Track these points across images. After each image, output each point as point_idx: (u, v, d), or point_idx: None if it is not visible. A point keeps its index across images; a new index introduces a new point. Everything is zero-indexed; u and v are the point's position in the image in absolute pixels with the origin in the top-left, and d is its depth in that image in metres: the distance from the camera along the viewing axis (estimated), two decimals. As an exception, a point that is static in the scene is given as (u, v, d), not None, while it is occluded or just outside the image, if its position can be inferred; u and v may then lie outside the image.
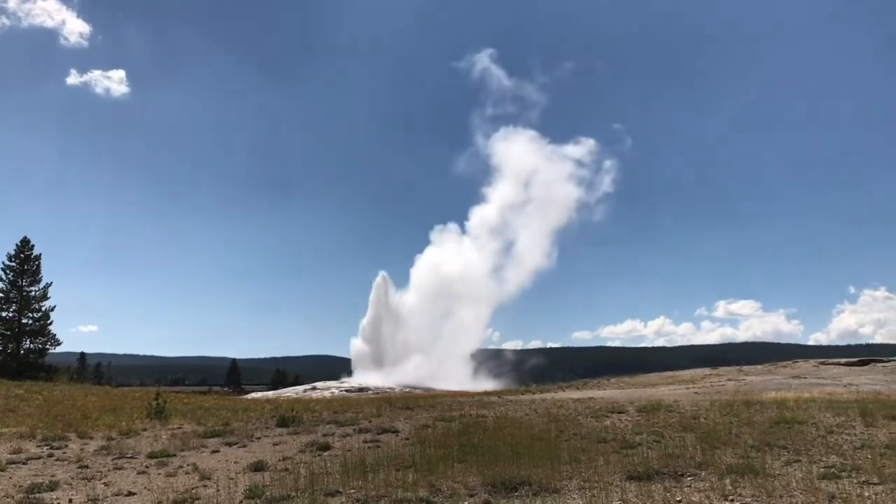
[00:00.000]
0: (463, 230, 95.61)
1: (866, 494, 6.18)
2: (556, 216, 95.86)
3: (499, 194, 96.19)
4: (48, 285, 39.05)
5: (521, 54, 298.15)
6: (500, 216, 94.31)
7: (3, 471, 9.33)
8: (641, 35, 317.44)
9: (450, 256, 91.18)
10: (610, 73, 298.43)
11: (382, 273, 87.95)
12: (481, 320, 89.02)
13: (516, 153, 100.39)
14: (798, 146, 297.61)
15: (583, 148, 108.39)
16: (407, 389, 48.25)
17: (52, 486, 8.08)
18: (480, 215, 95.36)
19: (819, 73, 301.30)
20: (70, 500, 7.43)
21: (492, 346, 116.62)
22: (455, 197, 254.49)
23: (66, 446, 11.83)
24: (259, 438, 12.50)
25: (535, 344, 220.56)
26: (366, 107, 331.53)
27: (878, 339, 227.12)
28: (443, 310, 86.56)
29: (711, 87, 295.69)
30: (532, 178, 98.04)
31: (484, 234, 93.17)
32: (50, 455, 10.82)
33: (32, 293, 38.54)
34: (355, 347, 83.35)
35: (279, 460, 9.69)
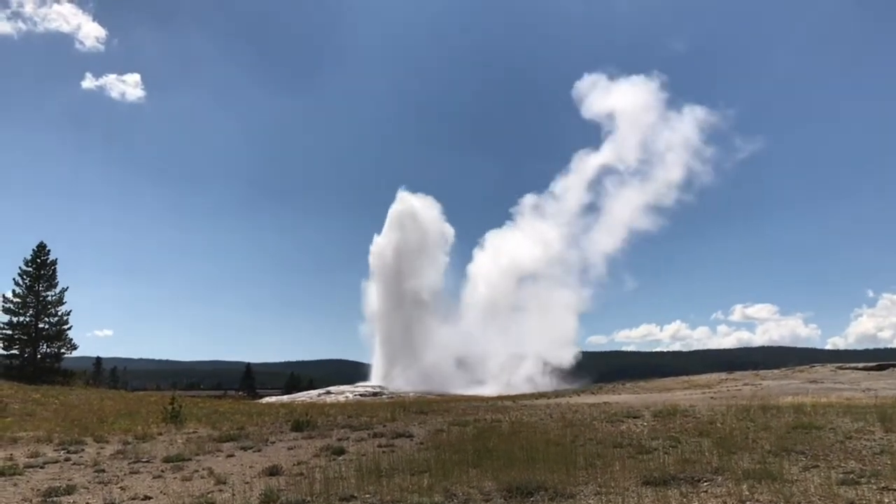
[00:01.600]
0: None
1: (886, 501, 6.10)
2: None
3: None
4: (64, 290, 39.38)
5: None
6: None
7: (20, 475, 9.40)
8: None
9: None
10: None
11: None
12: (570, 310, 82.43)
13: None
14: (814, 147, 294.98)
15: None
16: (420, 394, 48.24)
17: (70, 490, 8.13)
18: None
19: (835, 71, 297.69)
20: (87, 504, 7.47)
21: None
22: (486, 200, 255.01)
23: (83, 450, 11.91)
24: (274, 443, 12.53)
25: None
26: (378, 109, 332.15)
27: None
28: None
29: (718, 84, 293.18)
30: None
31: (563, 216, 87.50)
32: (67, 459, 10.90)
33: (49, 298, 38.85)
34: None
35: (294, 465, 9.71)
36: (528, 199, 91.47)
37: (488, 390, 53.74)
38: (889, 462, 8.00)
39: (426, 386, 58.18)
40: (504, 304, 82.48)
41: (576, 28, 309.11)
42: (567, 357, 75.50)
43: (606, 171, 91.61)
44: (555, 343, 76.03)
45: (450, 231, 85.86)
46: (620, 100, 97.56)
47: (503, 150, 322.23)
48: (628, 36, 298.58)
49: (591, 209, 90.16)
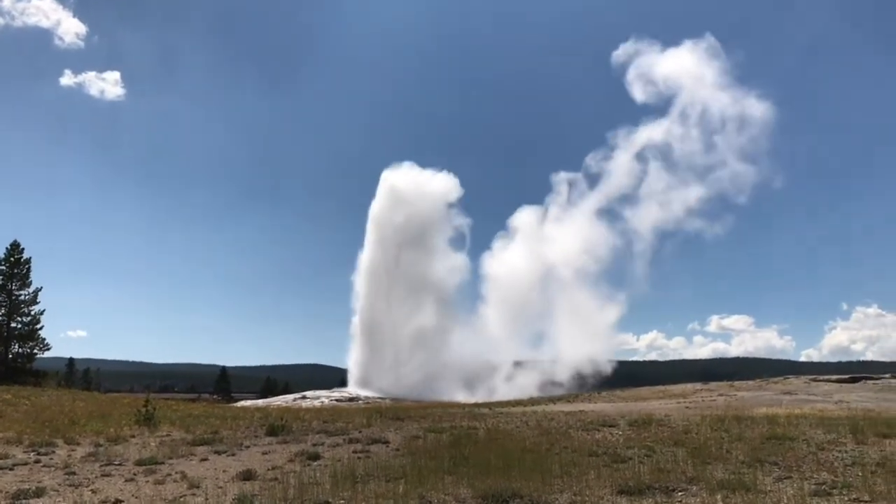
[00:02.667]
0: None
1: (857, 512, 6.17)
2: None
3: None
4: (38, 290, 38.90)
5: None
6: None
7: (-12, 476, 9.23)
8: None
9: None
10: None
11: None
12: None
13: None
14: (792, 161, 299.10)
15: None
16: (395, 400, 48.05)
17: (39, 493, 8.00)
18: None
19: (814, 83, 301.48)
20: (56, 507, 7.36)
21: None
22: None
23: (54, 452, 11.72)
24: (248, 447, 12.42)
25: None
26: (364, 110, 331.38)
27: (869, 356, 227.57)
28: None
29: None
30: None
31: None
32: (37, 461, 10.72)
33: (21, 297, 38.36)
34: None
35: (268, 469, 9.62)
36: (528, 211, 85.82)
37: (499, 394, 52.12)
38: (860, 474, 8.10)
39: (405, 391, 57.71)
40: (527, 303, 77.44)
41: None
42: (601, 362, 71.21)
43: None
44: (586, 347, 71.47)
45: (462, 220, 79.00)
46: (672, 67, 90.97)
47: (505, 154, 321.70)
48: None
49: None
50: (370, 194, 76.28)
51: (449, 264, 76.37)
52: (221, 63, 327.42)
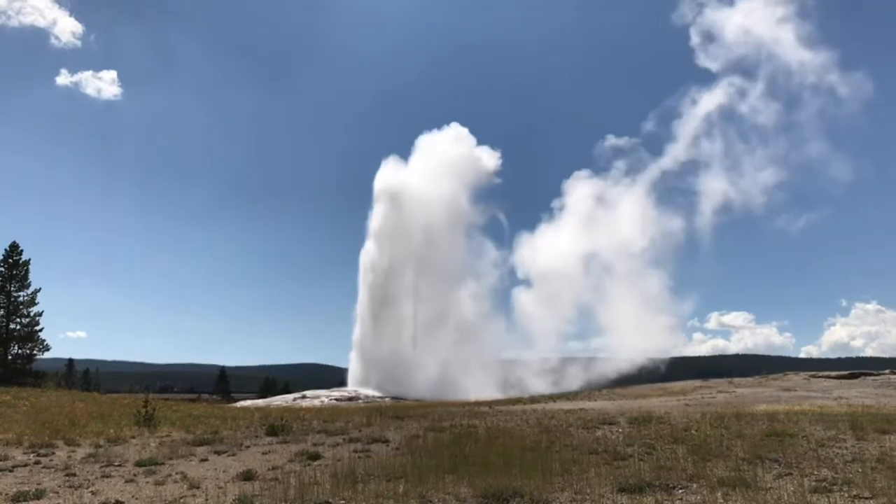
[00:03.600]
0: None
1: (858, 509, 6.18)
2: None
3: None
4: (37, 291, 38.94)
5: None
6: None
7: (-12, 478, 9.22)
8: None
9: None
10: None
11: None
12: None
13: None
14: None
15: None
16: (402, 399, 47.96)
17: (39, 495, 8.00)
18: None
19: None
20: (56, 509, 7.35)
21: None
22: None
23: (54, 454, 11.71)
24: (248, 447, 12.41)
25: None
26: (361, 110, 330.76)
27: (868, 353, 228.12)
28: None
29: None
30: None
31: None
32: (37, 462, 10.70)
33: (21, 298, 38.37)
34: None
35: (268, 469, 9.62)
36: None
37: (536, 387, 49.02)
38: (860, 470, 8.11)
39: (402, 390, 57.11)
40: (572, 291, 71.76)
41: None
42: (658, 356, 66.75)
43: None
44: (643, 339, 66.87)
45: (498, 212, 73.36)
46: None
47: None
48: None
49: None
50: (369, 193, 73.44)
51: (482, 259, 72.24)
52: (218, 62, 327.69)
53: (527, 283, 74.43)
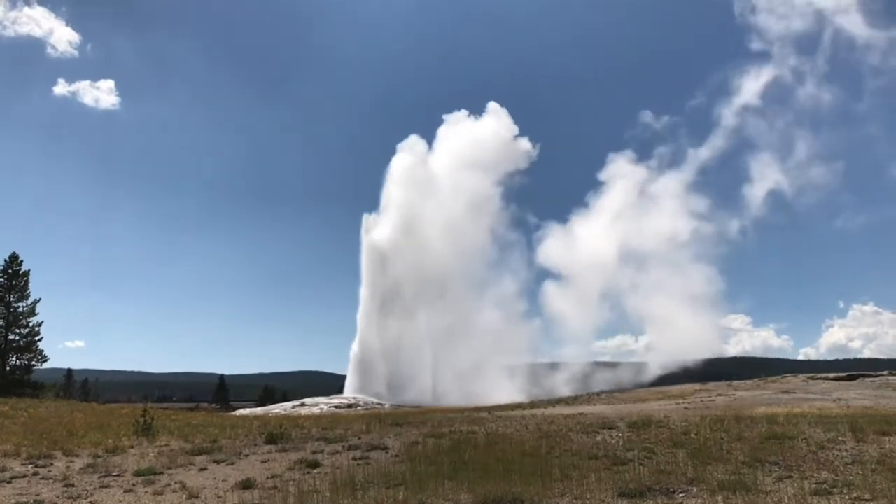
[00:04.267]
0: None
1: (858, 511, 6.17)
2: None
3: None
4: (36, 301, 38.78)
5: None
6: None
7: (-14, 490, 9.19)
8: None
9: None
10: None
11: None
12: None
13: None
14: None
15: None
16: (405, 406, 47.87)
17: (37, 506, 7.97)
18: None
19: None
20: (55, 520, 7.32)
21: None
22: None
23: (52, 464, 11.66)
24: (247, 456, 12.38)
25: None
26: (360, 117, 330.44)
27: (866, 354, 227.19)
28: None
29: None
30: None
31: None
32: (35, 473, 10.66)
33: (20, 309, 38.23)
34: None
35: (268, 478, 9.59)
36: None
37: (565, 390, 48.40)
38: (861, 472, 8.11)
39: (402, 397, 56.90)
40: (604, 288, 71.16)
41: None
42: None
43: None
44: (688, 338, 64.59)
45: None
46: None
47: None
48: None
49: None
50: (369, 200, 72.79)
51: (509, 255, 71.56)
52: (216, 71, 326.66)
53: (557, 277, 74.97)
